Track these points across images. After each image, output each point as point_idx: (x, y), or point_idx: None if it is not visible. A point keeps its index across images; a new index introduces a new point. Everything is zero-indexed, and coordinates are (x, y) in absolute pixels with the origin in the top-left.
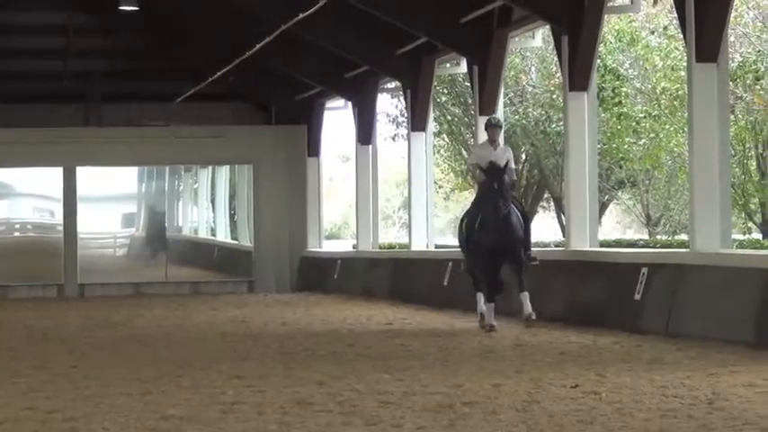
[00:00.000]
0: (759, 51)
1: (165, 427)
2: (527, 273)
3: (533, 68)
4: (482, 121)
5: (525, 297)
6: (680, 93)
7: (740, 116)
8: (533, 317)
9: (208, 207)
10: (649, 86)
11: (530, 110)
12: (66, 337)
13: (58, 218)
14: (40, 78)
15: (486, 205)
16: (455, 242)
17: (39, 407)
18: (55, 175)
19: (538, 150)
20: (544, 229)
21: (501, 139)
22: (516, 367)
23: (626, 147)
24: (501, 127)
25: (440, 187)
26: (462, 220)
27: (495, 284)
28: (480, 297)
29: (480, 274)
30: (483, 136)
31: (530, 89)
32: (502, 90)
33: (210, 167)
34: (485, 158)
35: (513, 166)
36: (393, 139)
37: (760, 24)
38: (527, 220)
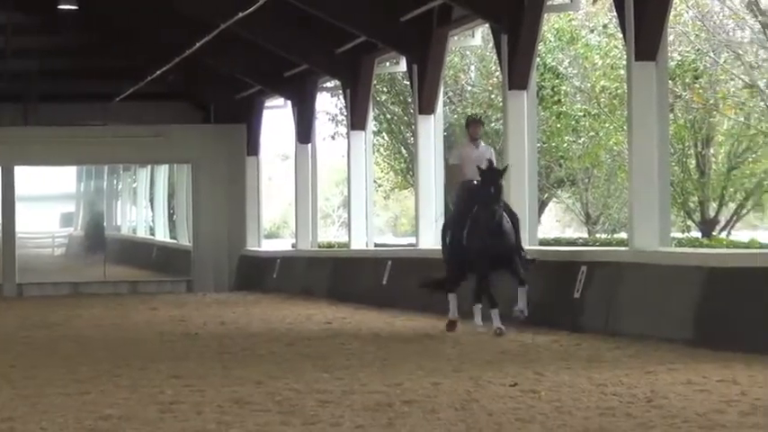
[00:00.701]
0: (698, 50)
1: (103, 426)
2: (525, 278)
3: (473, 67)
4: (422, 119)
5: (522, 293)
6: (619, 91)
7: (679, 114)
8: (526, 313)
9: (146, 206)
10: (589, 85)
11: (469, 109)
12: (3, 336)
13: None
14: None
15: (480, 210)
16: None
17: None
18: None
19: None
20: None
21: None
22: (455, 366)
23: (565, 145)
24: (483, 123)
25: (379, 186)
26: (445, 226)
27: (488, 293)
28: (453, 298)
29: (476, 284)
30: (423, 134)
31: (469, 88)
32: (441, 89)
33: (149, 167)
34: (468, 158)
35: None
36: (332, 137)
37: (699, 23)
38: (518, 223)
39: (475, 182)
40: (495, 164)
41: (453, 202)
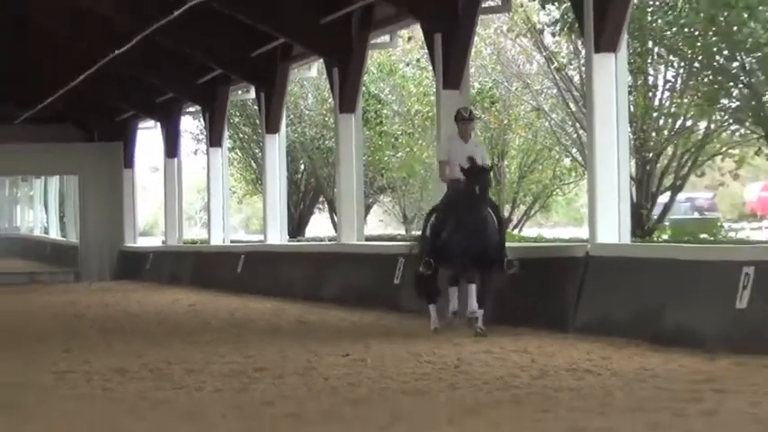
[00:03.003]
0: (494, 80)
1: (5, 392)
2: (491, 286)
3: (310, 95)
4: (269, 138)
5: (480, 313)
6: (430, 114)
7: (480, 133)
8: (479, 327)
9: (41, 210)
10: (405, 109)
11: (306, 129)
12: None
13: None
14: None
15: (465, 209)
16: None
17: None
18: None
19: (314, 162)
20: (320, 226)
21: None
22: (299, 340)
23: (386, 159)
24: (473, 119)
25: (234, 193)
26: (428, 221)
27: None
28: (433, 309)
29: (449, 278)
30: (270, 150)
31: (307, 112)
32: (284, 112)
33: (43, 178)
34: (456, 154)
35: (487, 162)
36: (195, 153)
37: (495, 58)
38: (503, 224)
39: (463, 182)
40: (485, 159)
41: (442, 201)
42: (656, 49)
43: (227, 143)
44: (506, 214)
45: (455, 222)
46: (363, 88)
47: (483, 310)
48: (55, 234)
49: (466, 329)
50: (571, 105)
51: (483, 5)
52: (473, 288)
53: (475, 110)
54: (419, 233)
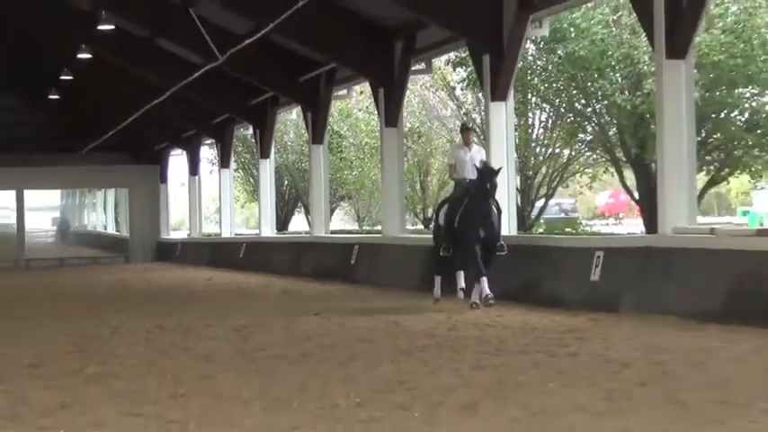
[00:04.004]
0: (421, 121)
1: (75, 342)
2: (495, 262)
3: (291, 131)
4: (263, 162)
5: (484, 281)
6: (375, 145)
7: (410, 159)
8: (491, 299)
9: (102, 213)
10: (358, 141)
11: (289, 155)
12: (18, 290)
13: (13, 219)
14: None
15: (475, 201)
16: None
17: None
18: (10, 195)
19: (294, 179)
20: (298, 223)
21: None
22: (284, 304)
23: (345, 176)
24: (471, 129)
25: (237, 200)
26: (439, 211)
27: (477, 267)
28: (438, 280)
29: (458, 261)
30: (263, 170)
31: (290, 143)
32: (273, 143)
33: (103, 190)
34: (460, 158)
35: (491, 164)
36: (210, 172)
37: (421, 105)
38: (500, 215)
39: (468, 180)
40: (479, 164)
41: (452, 196)
42: (533, 99)
43: (233, 165)
44: (429, 215)
45: (464, 211)
46: (329, 126)
47: (487, 278)
48: (111, 230)
49: (456, 305)
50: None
51: (412, 68)
52: (485, 281)
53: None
54: (434, 224)
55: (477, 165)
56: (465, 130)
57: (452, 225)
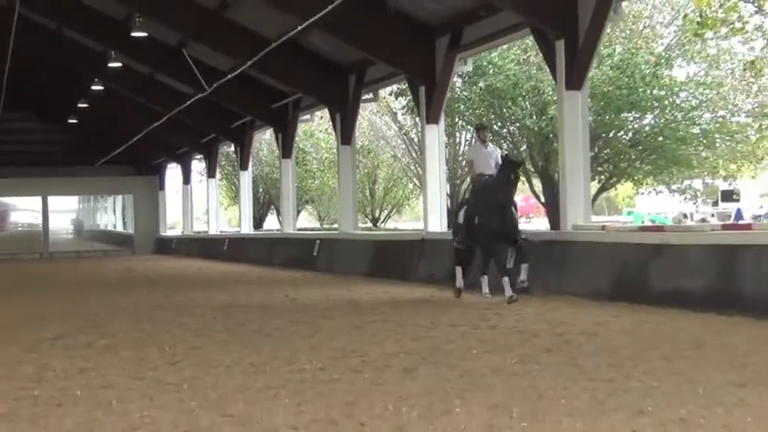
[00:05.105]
0: (371, 140)
1: (90, 320)
2: (524, 251)
3: (265, 148)
4: (243, 174)
5: (525, 268)
6: (333, 159)
7: (361, 170)
8: (526, 283)
9: (112, 214)
10: (320, 156)
11: (264, 168)
12: (43, 276)
13: (39, 220)
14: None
15: (498, 192)
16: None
17: None
18: (37, 200)
19: (268, 187)
20: (271, 223)
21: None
22: (260, 288)
23: (309, 184)
24: (488, 128)
25: (221, 204)
26: (461, 208)
27: (501, 261)
28: (459, 271)
29: (481, 254)
30: (243, 180)
31: (264, 158)
32: (251, 158)
33: (113, 196)
34: (478, 155)
35: (499, 161)
36: (200, 182)
37: (370, 127)
38: (516, 208)
39: (486, 176)
40: (498, 159)
41: (471, 193)
42: (459, 122)
43: (218, 175)
44: (377, 215)
45: (484, 205)
46: (296, 144)
47: (527, 264)
48: (120, 228)
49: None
50: (413, 154)
51: (362, 97)
52: (506, 280)
53: (362, 157)
54: (454, 222)
55: (499, 160)
56: (481, 128)
57: (472, 224)
